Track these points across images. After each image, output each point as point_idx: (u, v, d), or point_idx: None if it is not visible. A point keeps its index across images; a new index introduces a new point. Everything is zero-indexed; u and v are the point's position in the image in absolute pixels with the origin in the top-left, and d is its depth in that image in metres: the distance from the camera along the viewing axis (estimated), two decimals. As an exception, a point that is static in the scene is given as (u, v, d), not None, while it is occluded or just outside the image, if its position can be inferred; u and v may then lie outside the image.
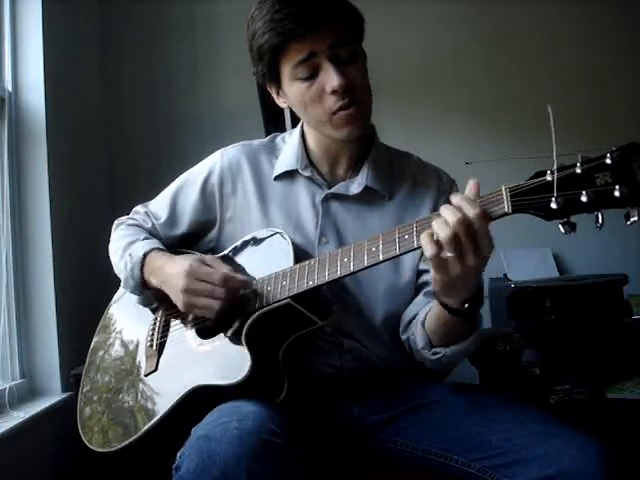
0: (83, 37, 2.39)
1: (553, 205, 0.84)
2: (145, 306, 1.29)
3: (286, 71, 1.13)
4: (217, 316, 1.11)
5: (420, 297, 1.20)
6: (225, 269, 1.13)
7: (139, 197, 1.44)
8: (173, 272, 1.14)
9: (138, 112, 2.62)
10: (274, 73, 1.15)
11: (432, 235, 0.90)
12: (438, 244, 0.90)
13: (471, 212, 0.88)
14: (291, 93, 1.16)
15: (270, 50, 1.11)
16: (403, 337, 1.19)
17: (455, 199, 0.91)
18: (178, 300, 1.14)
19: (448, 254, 0.90)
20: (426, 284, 1.20)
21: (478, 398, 1.19)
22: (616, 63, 2.75)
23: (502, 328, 2.28)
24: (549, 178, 0.84)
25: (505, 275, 2.55)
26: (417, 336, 1.13)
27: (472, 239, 0.89)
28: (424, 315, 1.12)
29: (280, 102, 1.22)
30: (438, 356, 1.10)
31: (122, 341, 1.31)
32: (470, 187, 0.93)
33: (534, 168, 0.87)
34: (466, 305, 1.00)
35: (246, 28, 1.15)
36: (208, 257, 1.17)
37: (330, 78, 1.09)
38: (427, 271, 1.19)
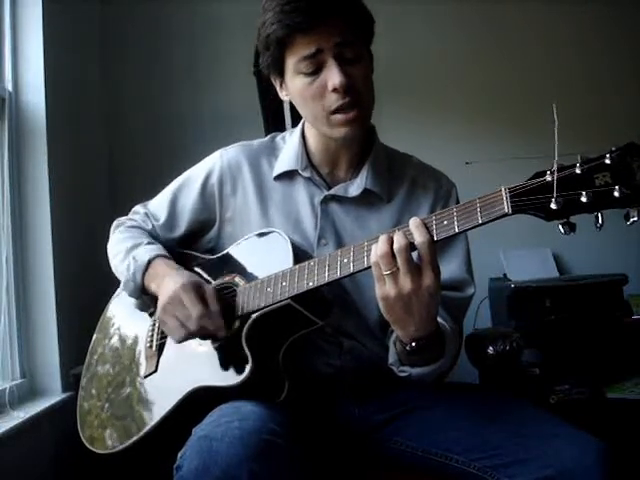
0: (83, 37, 2.39)
1: (553, 206, 0.83)
2: (141, 310, 1.29)
3: (290, 64, 1.13)
4: (179, 342, 1.12)
5: None
6: (213, 307, 1.10)
7: (139, 197, 1.43)
8: (168, 285, 1.14)
9: (138, 112, 2.62)
10: (278, 64, 1.16)
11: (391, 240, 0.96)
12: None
13: (417, 239, 0.93)
14: (293, 86, 1.16)
15: (276, 41, 1.11)
16: (389, 344, 1.16)
17: (412, 222, 0.95)
18: (158, 310, 1.14)
19: (383, 271, 0.94)
20: None
21: (478, 398, 1.20)
22: (616, 63, 2.76)
23: (502, 328, 2.28)
24: (549, 178, 0.84)
25: (505, 275, 2.56)
26: (390, 351, 1.12)
27: (407, 263, 0.93)
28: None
29: (282, 95, 1.22)
30: (405, 374, 1.10)
31: (122, 339, 1.31)
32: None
33: (534, 168, 0.87)
34: (413, 344, 1.00)
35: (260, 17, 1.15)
36: (208, 287, 1.14)
37: (332, 76, 1.09)
38: None
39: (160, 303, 1.13)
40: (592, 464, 0.97)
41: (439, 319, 1.09)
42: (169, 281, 1.14)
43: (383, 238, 0.95)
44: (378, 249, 0.95)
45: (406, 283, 0.93)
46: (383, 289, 0.96)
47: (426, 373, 1.07)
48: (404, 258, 0.93)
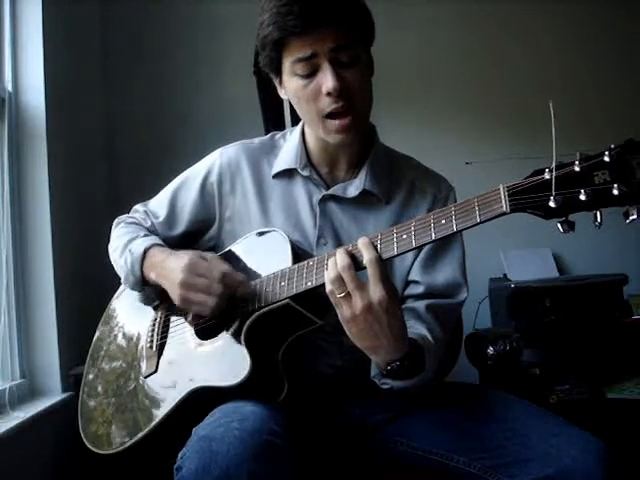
0: (83, 37, 2.39)
1: (552, 204, 0.83)
2: (146, 304, 1.29)
3: (286, 65, 1.14)
4: (212, 313, 1.11)
5: None
6: (224, 266, 1.12)
7: (139, 197, 1.44)
8: (173, 266, 1.14)
9: (138, 112, 2.62)
10: (276, 64, 1.16)
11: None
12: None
13: (364, 256, 0.95)
14: (289, 87, 1.16)
15: (272, 42, 1.12)
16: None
17: (360, 241, 0.97)
18: (175, 294, 1.13)
19: (337, 295, 0.95)
20: (407, 298, 1.21)
21: (478, 398, 1.20)
22: (616, 62, 2.76)
23: (502, 328, 2.28)
24: (547, 176, 0.84)
25: (505, 275, 2.56)
26: (372, 364, 1.11)
27: (352, 280, 0.95)
28: None
29: (281, 93, 1.23)
30: (387, 387, 1.09)
31: (126, 335, 1.31)
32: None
33: (534, 168, 0.86)
34: (389, 367, 1.01)
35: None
36: (209, 254, 1.17)
37: (327, 80, 1.09)
38: (414, 282, 1.21)
39: (175, 286, 1.12)
40: (592, 464, 0.97)
41: (423, 330, 1.10)
42: (173, 264, 1.14)
43: (331, 263, 0.97)
44: (328, 275, 0.97)
45: (357, 301, 0.94)
46: (342, 314, 0.97)
47: (407, 386, 1.06)
48: (349, 276, 0.95)
